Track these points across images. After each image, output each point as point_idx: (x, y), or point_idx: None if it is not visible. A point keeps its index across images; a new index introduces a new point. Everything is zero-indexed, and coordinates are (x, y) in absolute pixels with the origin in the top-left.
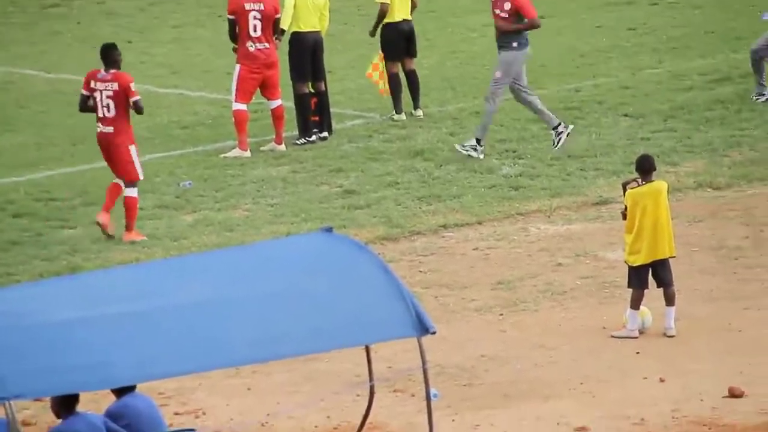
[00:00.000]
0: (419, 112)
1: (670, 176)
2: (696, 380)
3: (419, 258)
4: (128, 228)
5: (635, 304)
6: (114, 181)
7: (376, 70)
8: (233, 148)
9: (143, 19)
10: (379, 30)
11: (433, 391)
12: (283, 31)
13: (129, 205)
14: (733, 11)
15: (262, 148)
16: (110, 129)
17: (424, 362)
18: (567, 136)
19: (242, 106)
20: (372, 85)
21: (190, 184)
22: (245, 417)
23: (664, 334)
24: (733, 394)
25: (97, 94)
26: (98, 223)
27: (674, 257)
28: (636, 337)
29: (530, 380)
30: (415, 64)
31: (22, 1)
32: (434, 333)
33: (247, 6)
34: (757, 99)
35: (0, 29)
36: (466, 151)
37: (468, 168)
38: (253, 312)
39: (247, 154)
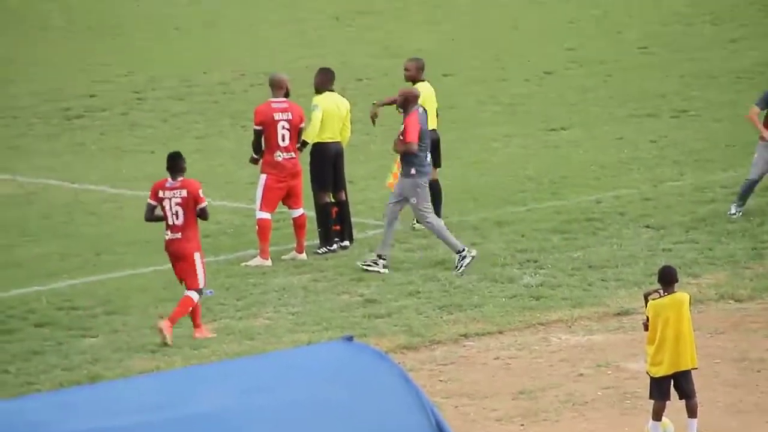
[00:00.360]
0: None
1: (692, 288)
2: None
3: (439, 367)
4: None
5: (657, 415)
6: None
7: (396, 179)
8: (255, 257)
9: (166, 129)
10: None
11: None
12: (305, 143)
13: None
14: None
15: (283, 257)
16: (178, 235)
17: None
18: (375, 269)
19: (266, 215)
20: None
21: (211, 292)
22: None
23: None
24: None
25: (165, 203)
26: (161, 331)
27: (696, 369)
28: None
29: None
30: (437, 174)
31: (45, 112)
32: None
33: (276, 116)
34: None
35: (24, 141)
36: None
37: (489, 278)
38: (273, 422)
39: (269, 263)
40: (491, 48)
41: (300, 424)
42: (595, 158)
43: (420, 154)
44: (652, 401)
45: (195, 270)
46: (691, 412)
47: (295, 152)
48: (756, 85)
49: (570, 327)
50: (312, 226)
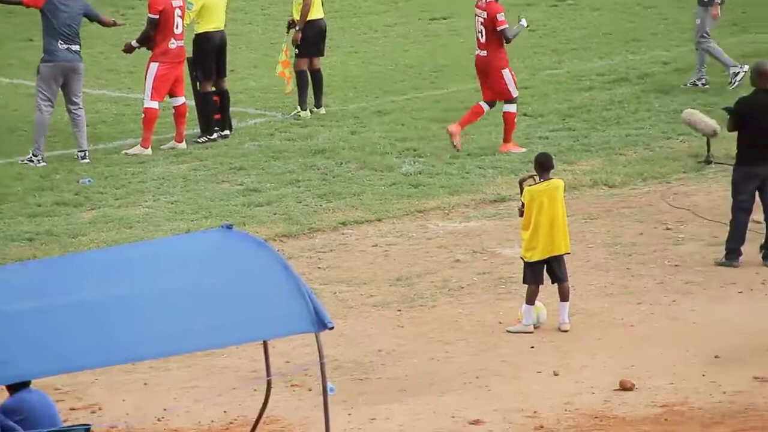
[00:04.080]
0: (322, 110)
1: (567, 174)
2: (589, 374)
3: (318, 255)
4: (506, 140)
5: (530, 299)
6: (480, 102)
7: (286, 67)
8: (134, 145)
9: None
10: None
11: (329, 385)
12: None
13: (507, 119)
14: (631, 14)
15: (162, 147)
16: (484, 53)
17: (321, 357)
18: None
19: (155, 105)
20: (275, 84)
21: (89, 180)
22: (141, 412)
23: (559, 329)
24: (624, 387)
25: (475, 20)
26: (449, 132)
27: (569, 254)
28: (531, 332)
29: (426, 375)
30: (320, 63)
31: None
32: (332, 328)
33: (174, 3)
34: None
35: None
36: (24, 161)
37: (368, 166)
38: (151, 308)
39: (149, 151)
40: None
41: (179, 310)
42: (473, 47)
43: (53, 41)
44: (526, 286)
45: (504, 83)
46: (563, 296)
47: (182, 39)
48: None
49: (447, 214)
50: (192, 115)
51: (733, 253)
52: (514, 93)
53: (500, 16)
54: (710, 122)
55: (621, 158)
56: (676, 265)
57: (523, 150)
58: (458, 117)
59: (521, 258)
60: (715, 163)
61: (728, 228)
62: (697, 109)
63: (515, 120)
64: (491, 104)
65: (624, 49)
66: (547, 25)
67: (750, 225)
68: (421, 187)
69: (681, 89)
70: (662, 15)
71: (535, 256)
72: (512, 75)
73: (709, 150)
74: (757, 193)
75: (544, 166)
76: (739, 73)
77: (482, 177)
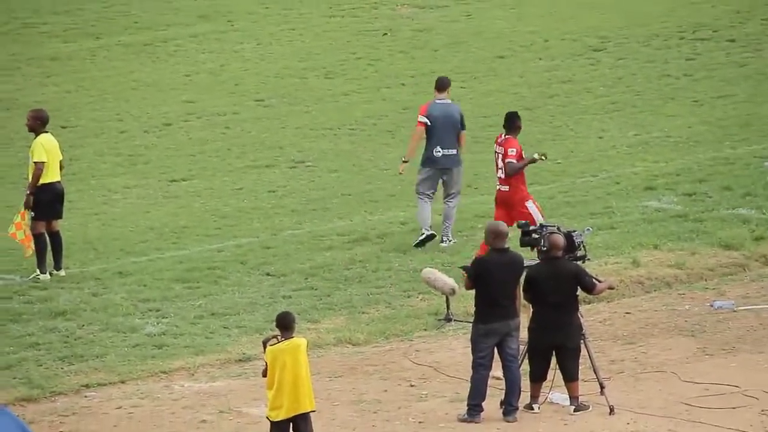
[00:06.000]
0: (62, 272)
1: (312, 333)
2: None
3: (60, 418)
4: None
5: None
6: None
7: (19, 229)
8: None
9: None
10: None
11: None
12: None
13: None
14: (368, 175)
15: None
16: (506, 188)
17: None
18: None
19: None
20: (12, 247)
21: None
22: None
23: None
24: None
25: (495, 156)
26: None
27: (315, 411)
28: None
29: None
30: (59, 225)
31: None
32: None
33: None
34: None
35: None
36: None
37: (111, 327)
38: None
39: None
40: (110, 100)
41: None
42: (215, 208)
43: None
44: None
45: (530, 215)
46: None
47: None
48: (369, 137)
49: (193, 374)
50: None
51: (474, 408)
52: (539, 220)
53: (510, 151)
54: (448, 281)
55: (364, 316)
56: (420, 422)
57: None
58: (201, 277)
59: (267, 418)
60: (455, 320)
61: (469, 384)
62: (436, 268)
63: None
64: None
65: (362, 209)
66: (287, 186)
67: (490, 381)
68: (165, 348)
69: (420, 249)
70: (400, 178)
71: (281, 415)
72: (536, 205)
73: (448, 308)
74: (496, 350)
75: (285, 325)
76: (423, 234)
77: (227, 337)
